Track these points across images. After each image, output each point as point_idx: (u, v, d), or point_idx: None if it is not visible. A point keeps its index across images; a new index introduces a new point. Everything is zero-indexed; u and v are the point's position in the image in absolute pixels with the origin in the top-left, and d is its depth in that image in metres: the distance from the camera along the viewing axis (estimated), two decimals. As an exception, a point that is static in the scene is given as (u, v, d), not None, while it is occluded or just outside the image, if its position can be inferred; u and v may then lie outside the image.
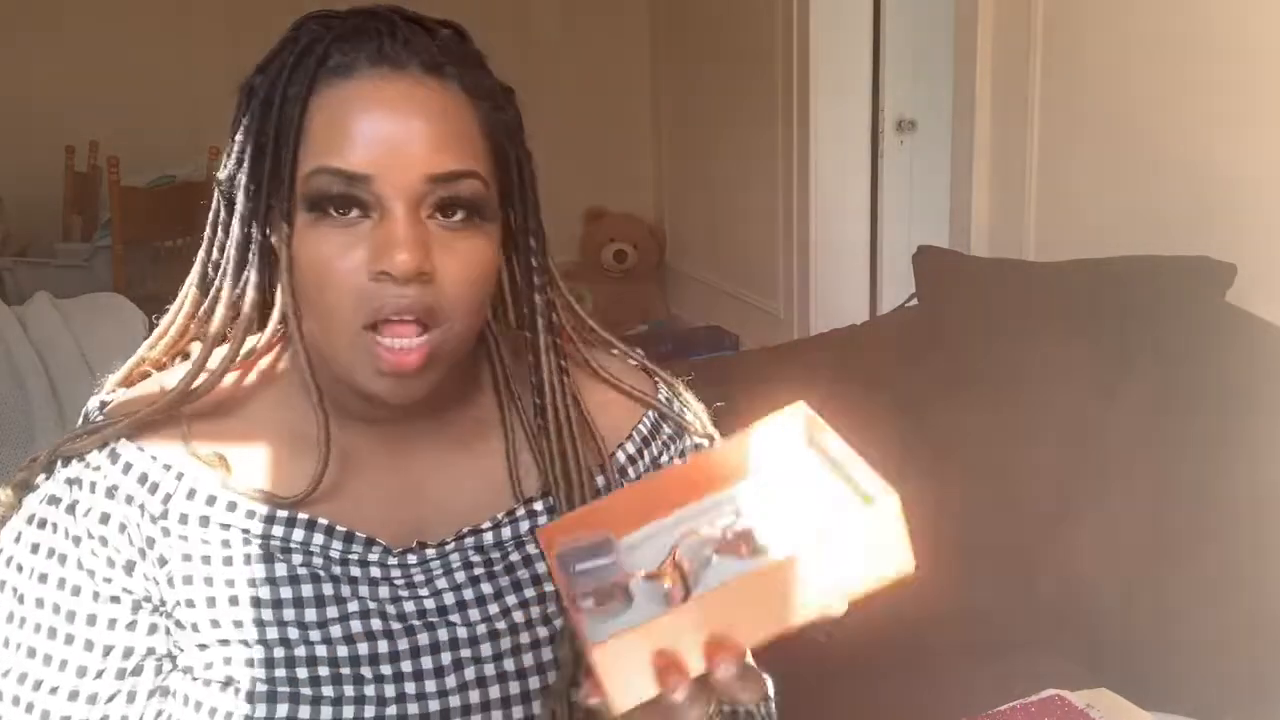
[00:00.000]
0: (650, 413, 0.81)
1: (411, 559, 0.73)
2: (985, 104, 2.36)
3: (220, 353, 0.74)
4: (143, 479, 0.72)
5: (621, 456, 0.79)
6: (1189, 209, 1.84)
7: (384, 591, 0.73)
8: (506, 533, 0.75)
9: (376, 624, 0.72)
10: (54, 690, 0.70)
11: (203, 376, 0.73)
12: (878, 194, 3.29)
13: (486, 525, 0.75)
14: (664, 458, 0.81)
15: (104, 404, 0.76)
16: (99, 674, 0.71)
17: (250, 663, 0.70)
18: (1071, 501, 1.62)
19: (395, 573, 0.73)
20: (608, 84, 4.54)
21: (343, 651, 0.71)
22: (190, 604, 0.71)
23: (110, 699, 0.71)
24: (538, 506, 0.76)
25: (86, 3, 3.99)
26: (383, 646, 0.71)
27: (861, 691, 1.47)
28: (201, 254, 0.76)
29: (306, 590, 0.72)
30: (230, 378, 0.75)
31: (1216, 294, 1.64)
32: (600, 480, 0.77)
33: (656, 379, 0.84)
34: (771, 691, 0.78)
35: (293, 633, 0.71)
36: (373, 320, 0.67)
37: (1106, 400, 1.61)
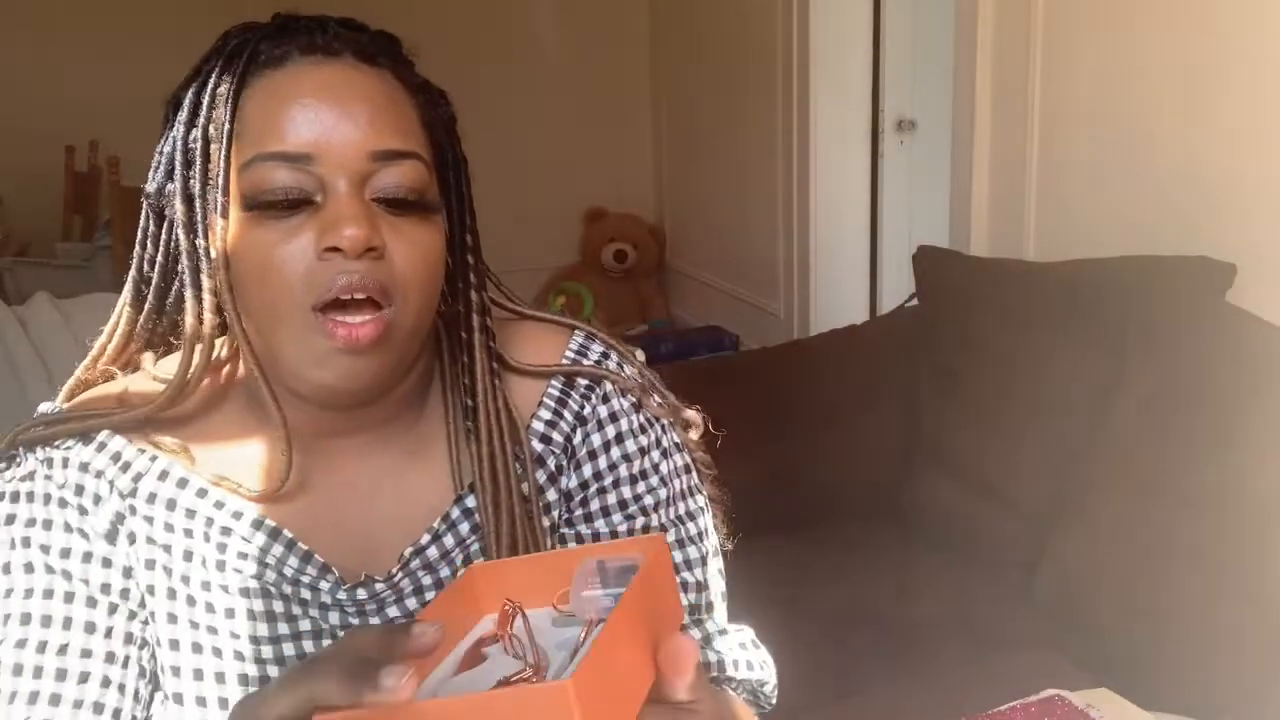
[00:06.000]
0: (556, 378, 0.78)
1: (361, 593, 0.70)
2: (985, 104, 2.36)
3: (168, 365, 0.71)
4: (115, 457, 0.70)
5: (539, 426, 0.76)
6: (1189, 209, 1.83)
7: (334, 617, 0.70)
8: (449, 540, 0.73)
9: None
10: (63, 649, 0.65)
11: (170, 390, 0.70)
12: (878, 194, 3.28)
13: (426, 540, 0.72)
14: (586, 409, 0.77)
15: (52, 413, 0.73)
16: (108, 631, 0.67)
17: (198, 674, 0.68)
18: (1070, 501, 1.61)
19: (345, 600, 0.70)
20: (608, 84, 4.54)
21: None
22: (151, 591, 0.69)
23: (124, 661, 0.67)
24: (470, 503, 0.73)
25: (87, 3, 3.99)
26: None
27: (862, 691, 1.47)
28: (133, 273, 0.73)
29: (258, 605, 0.69)
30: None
31: (1216, 294, 1.64)
32: (527, 483, 0.74)
33: (574, 330, 0.80)
34: (773, 678, 0.77)
35: (246, 648, 0.68)
36: (323, 301, 0.64)
37: (1105, 400, 1.61)
